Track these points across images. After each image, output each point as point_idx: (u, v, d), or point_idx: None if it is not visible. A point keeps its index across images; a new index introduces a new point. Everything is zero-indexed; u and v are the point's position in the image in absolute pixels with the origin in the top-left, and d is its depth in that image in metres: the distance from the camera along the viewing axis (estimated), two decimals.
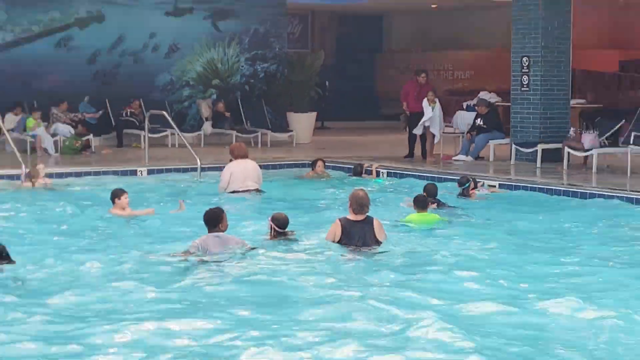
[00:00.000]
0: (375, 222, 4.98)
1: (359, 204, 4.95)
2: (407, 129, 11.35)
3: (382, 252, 5.02)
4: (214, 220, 4.68)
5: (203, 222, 4.76)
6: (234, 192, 7.76)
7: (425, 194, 6.44)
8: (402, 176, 9.81)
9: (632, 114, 11.01)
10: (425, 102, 10.86)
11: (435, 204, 6.58)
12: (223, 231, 4.64)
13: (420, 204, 6.05)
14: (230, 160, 8.06)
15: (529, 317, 3.33)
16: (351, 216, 4.84)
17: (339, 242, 4.96)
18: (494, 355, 2.54)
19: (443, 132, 11.61)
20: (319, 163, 9.40)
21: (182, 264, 4.48)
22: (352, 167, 9.80)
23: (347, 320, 3.16)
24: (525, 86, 11.11)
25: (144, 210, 6.95)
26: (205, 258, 4.45)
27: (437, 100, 11.07)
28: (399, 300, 3.66)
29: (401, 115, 12.18)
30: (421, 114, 10.87)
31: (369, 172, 9.64)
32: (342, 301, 3.61)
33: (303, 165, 10.65)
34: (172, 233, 6.04)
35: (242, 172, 7.77)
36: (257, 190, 7.88)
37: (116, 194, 6.56)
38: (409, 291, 3.89)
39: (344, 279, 4.25)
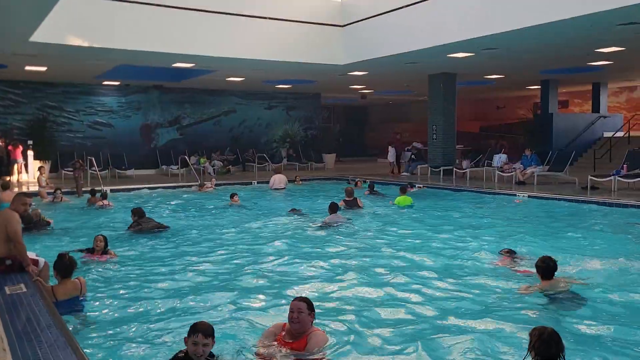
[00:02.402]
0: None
1: (349, 192, 9.35)
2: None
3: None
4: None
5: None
6: (275, 189, 13.26)
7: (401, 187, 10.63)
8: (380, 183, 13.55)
9: (485, 152, 15.87)
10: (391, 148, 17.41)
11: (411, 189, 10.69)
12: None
13: (403, 189, 10.35)
14: (274, 174, 13.93)
15: None
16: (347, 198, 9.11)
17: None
18: None
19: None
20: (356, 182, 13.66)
21: None
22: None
23: None
24: (434, 139, 15.79)
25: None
26: None
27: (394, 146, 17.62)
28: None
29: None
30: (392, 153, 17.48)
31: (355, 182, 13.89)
32: None
33: (328, 179, 16.13)
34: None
35: (279, 179, 13.67)
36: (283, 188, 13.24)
37: (232, 194, 10.73)
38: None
39: None
